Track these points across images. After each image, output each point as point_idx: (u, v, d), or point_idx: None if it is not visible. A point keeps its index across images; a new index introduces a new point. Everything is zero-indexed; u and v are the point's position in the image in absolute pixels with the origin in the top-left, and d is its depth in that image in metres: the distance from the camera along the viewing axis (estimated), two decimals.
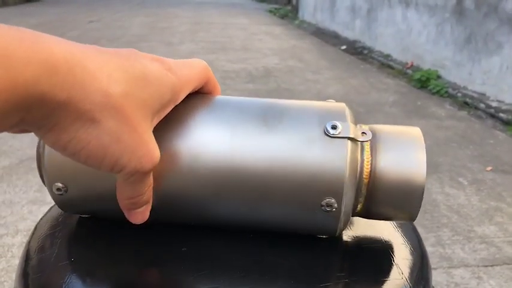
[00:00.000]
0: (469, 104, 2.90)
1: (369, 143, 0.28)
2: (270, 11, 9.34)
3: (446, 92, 3.17)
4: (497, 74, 2.87)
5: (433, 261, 1.30)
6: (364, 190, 0.28)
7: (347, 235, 0.36)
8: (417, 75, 3.47)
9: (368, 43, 5.01)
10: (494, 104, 2.78)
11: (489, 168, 1.92)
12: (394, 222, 0.39)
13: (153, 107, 0.24)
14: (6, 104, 0.18)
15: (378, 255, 0.34)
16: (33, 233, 0.38)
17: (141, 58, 0.25)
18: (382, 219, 0.31)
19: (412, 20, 4.04)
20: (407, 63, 3.95)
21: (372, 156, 0.28)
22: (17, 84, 0.18)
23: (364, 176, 0.28)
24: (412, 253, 0.35)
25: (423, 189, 0.28)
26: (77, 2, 11.21)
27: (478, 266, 1.28)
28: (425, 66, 3.69)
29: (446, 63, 3.43)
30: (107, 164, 0.23)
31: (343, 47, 5.13)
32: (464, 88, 3.16)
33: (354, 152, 0.27)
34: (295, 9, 8.35)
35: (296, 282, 0.28)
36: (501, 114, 2.61)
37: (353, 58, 4.57)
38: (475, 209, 1.59)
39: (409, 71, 3.77)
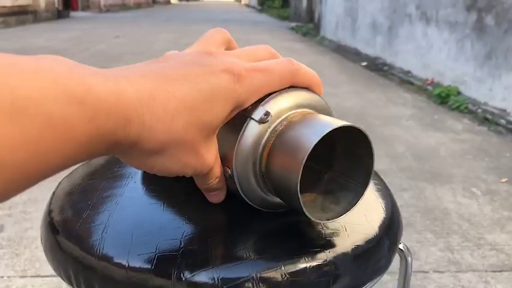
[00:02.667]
0: (490, 119, 2.89)
1: (276, 126, 0.30)
2: (292, 29, 9.46)
3: (466, 107, 3.17)
4: None
5: (441, 265, 1.31)
6: (260, 165, 0.31)
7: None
8: (437, 91, 3.48)
9: (389, 59, 5.03)
10: None
11: (504, 179, 1.92)
12: (372, 187, 0.43)
13: (214, 125, 0.28)
14: (89, 147, 0.22)
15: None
16: (57, 186, 0.44)
17: (211, 76, 0.27)
18: (277, 196, 0.33)
19: (432, 37, 4.06)
20: (427, 80, 3.96)
21: (271, 136, 0.31)
22: (99, 134, 0.22)
23: (261, 152, 0.31)
24: (383, 210, 0.40)
25: (301, 163, 0.28)
26: (105, 19, 11.60)
27: (486, 271, 1.29)
28: (446, 82, 3.69)
29: (467, 79, 3.43)
30: (170, 175, 0.29)
31: (364, 63, 5.16)
32: (485, 104, 3.15)
33: (252, 130, 0.30)
34: (317, 27, 8.44)
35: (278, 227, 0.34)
36: None
37: (373, 74, 4.60)
38: (487, 218, 1.60)
39: (430, 87, 3.77)
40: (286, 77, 0.30)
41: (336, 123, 0.29)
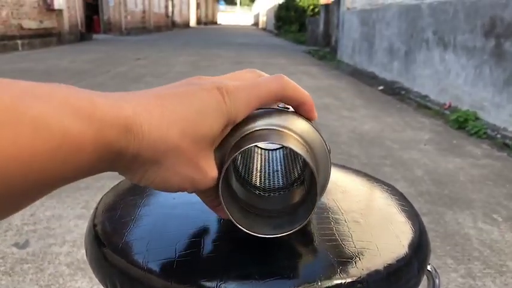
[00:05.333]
0: (510, 145, 2.86)
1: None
2: (309, 52, 9.56)
3: (485, 133, 3.14)
4: None
5: None
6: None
7: (355, 212, 0.42)
8: (454, 116, 3.46)
9: (406, 84, 5.04)
10: None
11: None
12: (397, 206, 0.45)
13: (209, 137, 0.29)
14: (97, 157, 0.24)
15: (380, 227, 0.40)
16: (99, 202, 0.46)
17: (200, 91, 0.29)
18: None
19: (450, 62, 4.06)
20: (445, 104, 3.95)
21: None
22: (104, 143, 0.24)
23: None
24: (411, 230, 0.41)
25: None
26: (126, 41, 11.89)
27: None
28: (464, 107, 3.68)
29: (485, 104, 3.42)
30: (173, 189, 0.30)
31: (381, 88, 5.18)
32: (504, 129, 3.13)
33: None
34: (334, 51, 8.52)
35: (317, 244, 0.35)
36: None
37: (390, 98, 4.61)
38: (508, 244, 1.57)
39: (447, 112, 3.76)
40: (275, 91, 0.31)
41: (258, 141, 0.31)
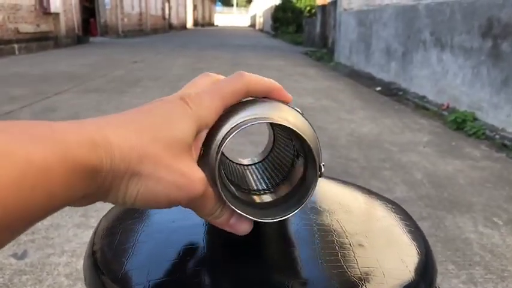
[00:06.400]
0: (508, 146, 2.86)
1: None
2: (306, 54, 9.57)
3: (483, 133, 3.14)
4: None
5: None
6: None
7: (359, 234, 0.41)
8: (452, 117, 3.46)
9: (403, 85, 5.05)
10: None
11: None
12: (402, 226, 0.44)
13: (183, 140, 0.28)
14: (69, 180, 0.23)
15: (385, 251, 0.40)
16: (97, 226, 0.45)
17: (163, 104, 0.29)
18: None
19: (447, 63, 4.07)
20: (443, 105, 3.95)
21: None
22: (74, 162, 0.23)
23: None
24: (417, 253, 0.40)
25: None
26: (122, 44, 11.88)
27: None
28: (461, 107, 3.68)
29: (483, 105, 3.42)
30: (162, 202, 0.28)
31: (378, 89, 5.18)
32: (503, 130, 3.13)
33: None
34: (331, 52, 8.53)
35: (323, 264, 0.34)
36: None
37: (387, 99, 4.61)
38: (510, 249, 1.57)
39: (445, 113, 3.76)
40: (239, 88, 0.31)
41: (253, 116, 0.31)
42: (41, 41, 9.67)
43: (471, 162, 2.55)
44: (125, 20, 16.65)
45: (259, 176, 0.42)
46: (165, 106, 0.29)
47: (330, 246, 0.39)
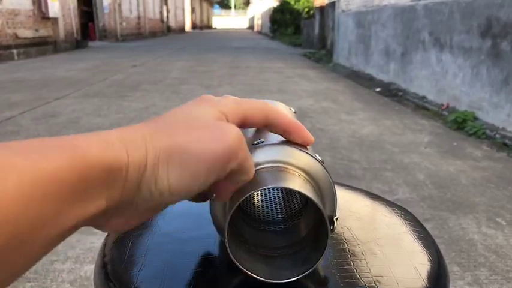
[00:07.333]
0: (509, 145, 2.86)
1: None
2: (305, 55, 9.57)
3: (484, 133, 3.14)
4: None
5: None
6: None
7: (371, 242, 0.41)
8: (452, 116, 3.46)
9: (403, 85, 5.05)
10: None
11: None
12: (412, 232, 0.44)
13: (210, 116, 0.29)
14: (87, 181, 0.22)
15: (397, 259, 0.39)
16: (107, 237, 0.45)
17: (181, 108, 0.30)
18: None
19: (447, 63, 4.07)
20: (443, 105, 3.95)
21: None
22: (87, 163, 0.22)
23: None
24: (429, 260, 0.40)
25: None
26: (121, 48, 11.88)
27: None
28: (462, 107, 3.68)
29: (483, 104, 3.42)
30: (201, 173, 0.26)
31: (378, 89, 5.18)
32: (503, 129, 3.13)
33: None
34: (330, 53, 8.53)
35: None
36: None
37: (387, 100, 4.61)
38: None
39: (445, 113, 3.76)
40: (259, 110, 0.32)
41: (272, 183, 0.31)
42: (40, 46, 9.68)
43: (473, 162, 2.54)
44: (124, 23, 16.66)
45: (276, 197, 0.41)
46: (181, 107, 0.30)
47: (342, 255, 0.39)
